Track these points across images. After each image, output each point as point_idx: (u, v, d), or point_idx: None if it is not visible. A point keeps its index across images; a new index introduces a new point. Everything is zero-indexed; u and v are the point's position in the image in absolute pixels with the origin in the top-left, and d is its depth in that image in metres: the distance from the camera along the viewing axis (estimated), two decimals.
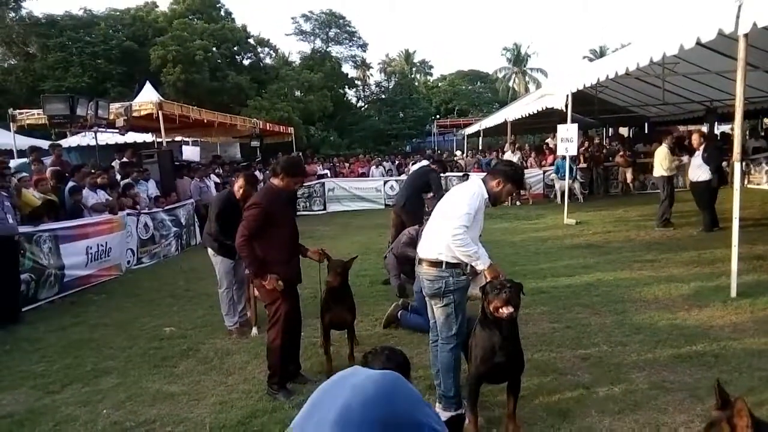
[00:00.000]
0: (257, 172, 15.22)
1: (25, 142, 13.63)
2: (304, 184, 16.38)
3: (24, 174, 8.53)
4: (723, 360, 4.15)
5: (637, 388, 3.80)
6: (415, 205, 7.80)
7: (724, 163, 10.36)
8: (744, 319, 4.99)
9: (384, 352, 2.61)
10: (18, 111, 12.61)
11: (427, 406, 2.13)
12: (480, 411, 3.42)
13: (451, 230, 3.36)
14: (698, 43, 6.16)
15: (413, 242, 6.81)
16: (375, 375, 2.18)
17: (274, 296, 4.04)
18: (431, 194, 7.97)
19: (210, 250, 5.68)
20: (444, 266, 3.49)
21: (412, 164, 16.70)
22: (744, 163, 13.33)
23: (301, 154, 19.95)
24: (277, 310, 4.05)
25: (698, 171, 9.26)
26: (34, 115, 12.08)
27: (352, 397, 1.98)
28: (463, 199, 3.49)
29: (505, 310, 3.14)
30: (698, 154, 9.33)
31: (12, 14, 27.65)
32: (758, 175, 14.42)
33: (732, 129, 15.95)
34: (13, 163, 9.87)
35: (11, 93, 25.98)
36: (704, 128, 14.99)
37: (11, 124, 12.45)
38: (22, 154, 11.76)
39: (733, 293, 5.58)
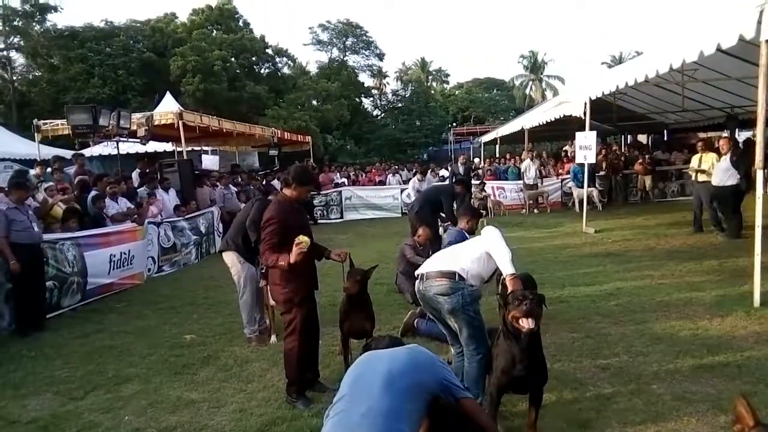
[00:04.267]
0: (275, 181, 15.40)
1: (48, 151, 13.93)
2: (321, 193, 16.49)
3: (51, 183, 8.72)
4: (746, 371, 4.08)
5: (658, 398, 3.75)
6: (427, 215, 7.82)
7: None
8: None
9: (386, 337, 3.00)
10: (42, 122, 12.88)
11: (446, 367, 2.61)
12: (499, 421, 3.41)
13: (488, 228, 3.56)
14: (718, 50, 6.09)
15: (417, 250, 6.90)
16: (402, 348, 2.66)
17: (290, 305, 4.05)
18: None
19: (233, 257, 5.62)
20: (457, 277, 3.51)
21: (431, 173, 16.73)
22: (766, 170, 13.10)
23: (310, 161, 20.08)
24: (293, 319, 4.06)
25: (724, 175, 9.10)
26: (57, 126, 12.32)
27: (391, 366, 2.38)
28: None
29: (526, 324, 3.07)
30: (725, 158, 9.18)
31: (37, 27, 28.28)
32: None
33: (754, 135, 15.70)
34: (32, 172, 10.09)
35: (35, 104, 26.55)
36: (725, 134, 14.76)
37: (36, 134, 12.72)
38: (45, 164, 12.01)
39: (757, 303, 5.48)
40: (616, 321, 5.46)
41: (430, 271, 3.64)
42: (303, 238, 3.78)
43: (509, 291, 3.36)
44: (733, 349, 4.52)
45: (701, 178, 9.78)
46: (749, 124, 14.79)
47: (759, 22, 5.11)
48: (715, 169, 9.34)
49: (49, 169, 9.83)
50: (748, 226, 7.69)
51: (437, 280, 3.57)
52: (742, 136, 17.65)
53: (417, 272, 3.82)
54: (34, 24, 28.13)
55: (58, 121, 12.25)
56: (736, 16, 5.55)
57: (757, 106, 5.68)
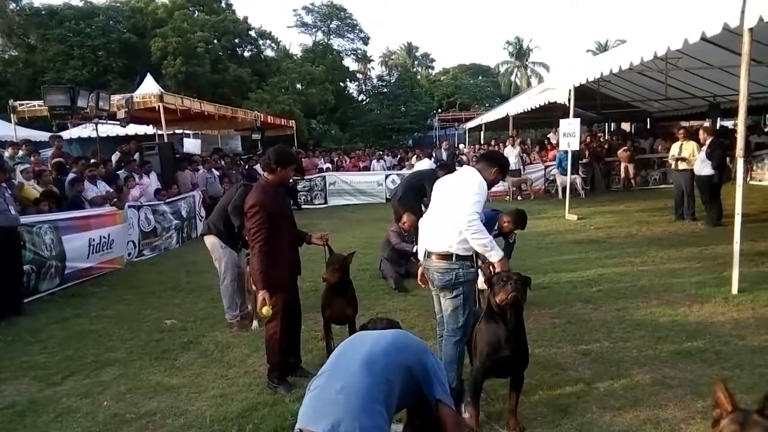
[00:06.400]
0: (257, 165, 15.24)
1: (25, 133, 13.63)
2: (305, 178, 16.38)
3: (27, 166, 8.52)
4: (724, 357, 4.15)
5: (637, 384, 3.80)
6: (410, 201, 7.81)
7: (727, 159, 10.32)
8: (745, 316, 4.99)
9: (383, 320, 2.97)
10: (19, 102, 12.57)
11: (432, 355, 2.56)
12: (480, 405, 3.42)
13: (465, 218, 3.34)
14: (702, 38, 6.12)
15: (402, 236, 6.96)
16: (390, 330, 2.65)
17: (272, 290, 3.99)
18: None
19: (215, 242, 5.55)
20: (454, 258, 3.50)
21: (414, 157, 16.69)
22: (746, 159, 13.30)
23: (294, 149, 19.86)
24: (275, 304, 4.02)
25: (701, 165, 9.26)
26: (34, 107, 12.04)
27: (374, 345, 2.38)
28: (469, 188, 3.47)
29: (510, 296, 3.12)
30: (704, 148, 9.31)
31: (13, 5, 27.52)
32: (761, 171, 14.38)
33: (734, 124, 15.88)
34: (5, 154, 9.83)
35: (12, 85, 25.90)
36: (706, 123, 14.91)
37: (12, 115, 12.42)
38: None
39: (735, 290, 5.58)
40: (598, 307, 5.51)
41: (431, 250, 3.64)
42: (267, 312, 3.86)
43: (495, 272, 3.37)
44: (712, 335, 4.59)
45: (681, 166, 9.87)
46: (731, 113, 14.96)
47: (743, 11, 5.13)
48: (697, 157, 9.47)
49: (20, 152, 9.55)
50: (728, 215, 7.80)
51: (435, 261, 3.60)
52: (722, 124, 17.86)
53: (422, 248, 3.78)
54: (9, 2, 27.35)
55: (35, 102, 11.98)
56: (720, 4, 5.57)
57: (739, 95, 5.72)
